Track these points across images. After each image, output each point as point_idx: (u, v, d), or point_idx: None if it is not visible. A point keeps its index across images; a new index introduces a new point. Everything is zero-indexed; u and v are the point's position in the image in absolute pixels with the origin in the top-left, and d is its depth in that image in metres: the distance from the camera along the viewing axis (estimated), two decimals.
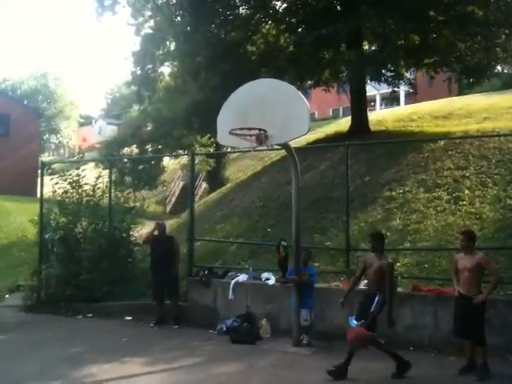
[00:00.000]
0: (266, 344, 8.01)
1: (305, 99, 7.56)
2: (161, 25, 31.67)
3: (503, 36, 16.36)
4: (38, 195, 13.25)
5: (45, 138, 56.23)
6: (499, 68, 22.38)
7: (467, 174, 11.67)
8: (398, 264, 9.19)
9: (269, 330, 8.40)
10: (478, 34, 16.24)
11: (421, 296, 7.78)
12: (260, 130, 7.41)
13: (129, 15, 26.84)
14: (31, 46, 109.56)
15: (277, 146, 8.69)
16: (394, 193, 11.91)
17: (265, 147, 8.62)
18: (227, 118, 7.84)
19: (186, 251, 9.92)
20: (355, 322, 6.62)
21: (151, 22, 34.59)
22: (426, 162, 12.87)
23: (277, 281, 8.71)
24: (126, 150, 28.13)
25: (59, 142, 63.27)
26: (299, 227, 8.11)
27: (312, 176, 14.36)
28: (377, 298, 6.58)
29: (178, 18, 22.07)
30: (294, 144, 8.56)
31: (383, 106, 42.77)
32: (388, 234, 10.21)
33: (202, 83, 19.10)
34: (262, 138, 7.48)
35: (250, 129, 7.41)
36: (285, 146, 8.04)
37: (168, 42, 33.95)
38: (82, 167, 12.50)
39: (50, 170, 13.41)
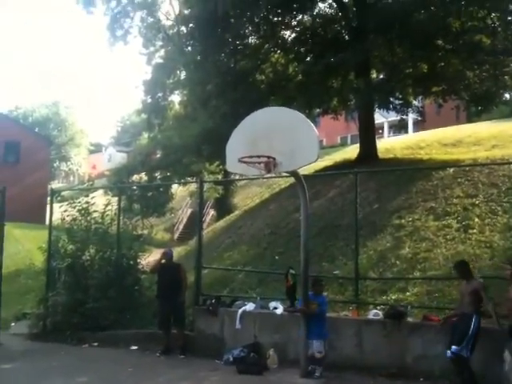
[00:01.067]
0: (273, 375, 7.86)
1: (313, 127, 7.57)
2: (171, 54, 32.31)
3: (511, 64, 16.43)
4: (47, 222, 13.28)
5: (55, 165, 56.75)
6: (507, 96, 22.45)
7: (477, 202, 11.58)
8: (408, 293, 9.08)
9: (276, 360, 8.25)
10: (486, 63, 16.33)
11: (431, 326, 7.63)
12: (269, 157, 7.41)
13: (140, 45, 27.28)
14: (45, 75, 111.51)
15: (285, 174, 8.68)
16: (403, 221, 11.83)
17: (273, 175, 8.59)
18: (236, 145, 7.86)
19: (194, 279, 9.84)
20: (454, 346, 6.66)
21: (162, 52, 35.34)
22: (435, 190, 12.80)
23: (285, 310, 8.59)
24: (135, 178, 28.25)
25: (69, 169, 63.83)
26: (308, 255, 8.03)
27: (321, 203, 14.32)
28: (473, 319, 6.69)
29: (189, 48, 22.45)
30: (302, 171, 8.55)
31: (391, 134, 42.85)
32: (397, 262, 10.13)
33: (212, 111, 19.29)
34: (270, 165, 7.47)
35: (258, 156, 7.41)
36: (293, 173, 8.03)
37: (178, 71, 34.58)
38: (92, 194, 12.54)
39: (59, 198, 13.45)
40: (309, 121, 7.86)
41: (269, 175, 8.18)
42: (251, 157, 7.47)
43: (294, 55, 19.12)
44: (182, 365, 8.62)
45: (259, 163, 7.56)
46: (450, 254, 10.00)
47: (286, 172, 8.14)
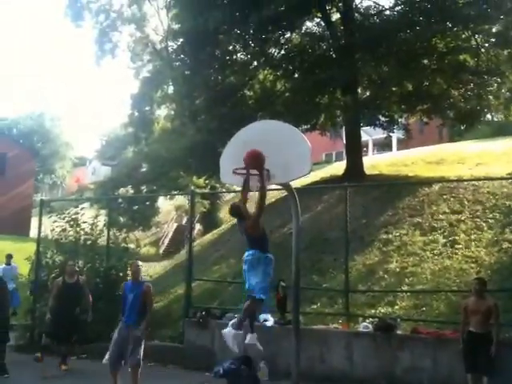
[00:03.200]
0: None
1: (307, 140, 7.70)
2: (159, 68, 32.48)
3: (495, 84, 16.83)
4: (33, 234, 13.25)
5: (39, 177, 56.25)
6: (489, 116, 22.91)
7: (462, 218, 11.80)
8: (396, 307, 9.20)
9: (267, 372, 8.29)
10: (471, 82, 16.70)
11: (420, 338, 7.75)
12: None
13: (128, 59, 27.42)
14: (30, 86, 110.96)
15: (277, 186, 8.78)
16: (390, 235, 11.99)
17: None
18: (230, 156, 7.93)
19: (184, 291, 9.86)
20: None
21: (150, 66, 35.53)
22: (422, 206, 13.01)
23: (275, 322, 8.64)
24: (120, 191, 28.17)
25: (53, 182, 63.32)
26: (299, 267, 8.09)
27: (308, 218, 14.42)
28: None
29: (177, 62, 22.59)
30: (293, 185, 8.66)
31: (375, 152, 43.33)
32: (385, 276, 10.25)
33: (200, 125, 19.38)
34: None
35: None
36: (286, 186, 8.13)
37: (166, 86, 34.74)
38: (81, 206, 12.54)
39: (48, 209, 13.45)
40: (302, 134, 8.00)
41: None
42: (245, 168, 7.56)
43: (282, 72, 19.35)
44: (172, 376, 8.61)
45: (253, 175, 7.65)
46: (437, 268, 10.16)
47: (279, 184, 8.23)
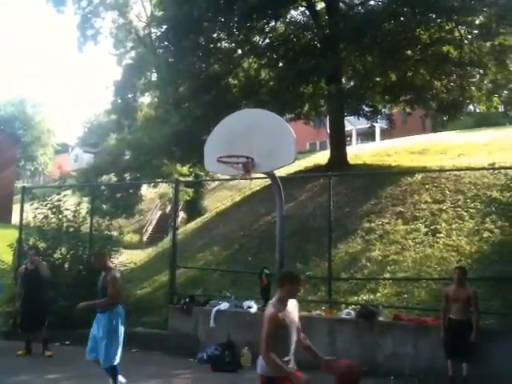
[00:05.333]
0: (247, 373, 7.97)
1: (291, 129, 7.74)
2: (143, 55, 32.18)
3: (477, 76, 16.99)
4: (15, 221, 13.12)
5: (20, 164, 55.57)
6: (471, 107, 23.10)
7: (444, 208, 11.95)
8: (379, 294, 9.33)
9: (250, 358, 8.36)
10: (454, 73, 16.83)
11: (401, 325, 7.88)
12: (247, 158, 7.54)
13: (111, 45, 27.10)
14: (10, 71, 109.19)
15: (261, 175, 8.82)
16: (373, 224, 12.11)
17: (251, 175, 8.72)
18: (215, 145, 7.97)
19: (168, 279, 9.88)
20: None
21: (133, 53, 35.18)
22: (404, 195, 13.14)
23: (259, 309, 8.72)
24: (103, 178, 28.00)
25: (35, 169, 62.58)
26: (283, 255, 8.19)
27: (293, 206, 14.50)
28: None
29: (161, 50, 22.41)
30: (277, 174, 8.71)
31: (359, 142, 43.54)
32: (368, 264, 10.38)
33: (184, 113, 19.29)
34: (248, 166, 7.61)
35: (237, 156, 7.54)
36: (270, 174, 8.18)
37: (149, 73, 34.45)
38: (63, 193, 12.45)
39: (30, 196, 13.31)
40: (286, 123, 8.04)
41: (244, 176, 8.30)
42: (230, 156, 7.60)
43: (267, 60, 19.30)
44: (156, 362, 8.65)
45: (237, 163, 7.69)
46: (419, 256, 10.31)
47: (264, 173, 8.28)
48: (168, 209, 32.06)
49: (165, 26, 20.20)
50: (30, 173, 63.68)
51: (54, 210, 11.80)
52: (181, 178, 23.42)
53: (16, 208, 22.16)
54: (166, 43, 20.68)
